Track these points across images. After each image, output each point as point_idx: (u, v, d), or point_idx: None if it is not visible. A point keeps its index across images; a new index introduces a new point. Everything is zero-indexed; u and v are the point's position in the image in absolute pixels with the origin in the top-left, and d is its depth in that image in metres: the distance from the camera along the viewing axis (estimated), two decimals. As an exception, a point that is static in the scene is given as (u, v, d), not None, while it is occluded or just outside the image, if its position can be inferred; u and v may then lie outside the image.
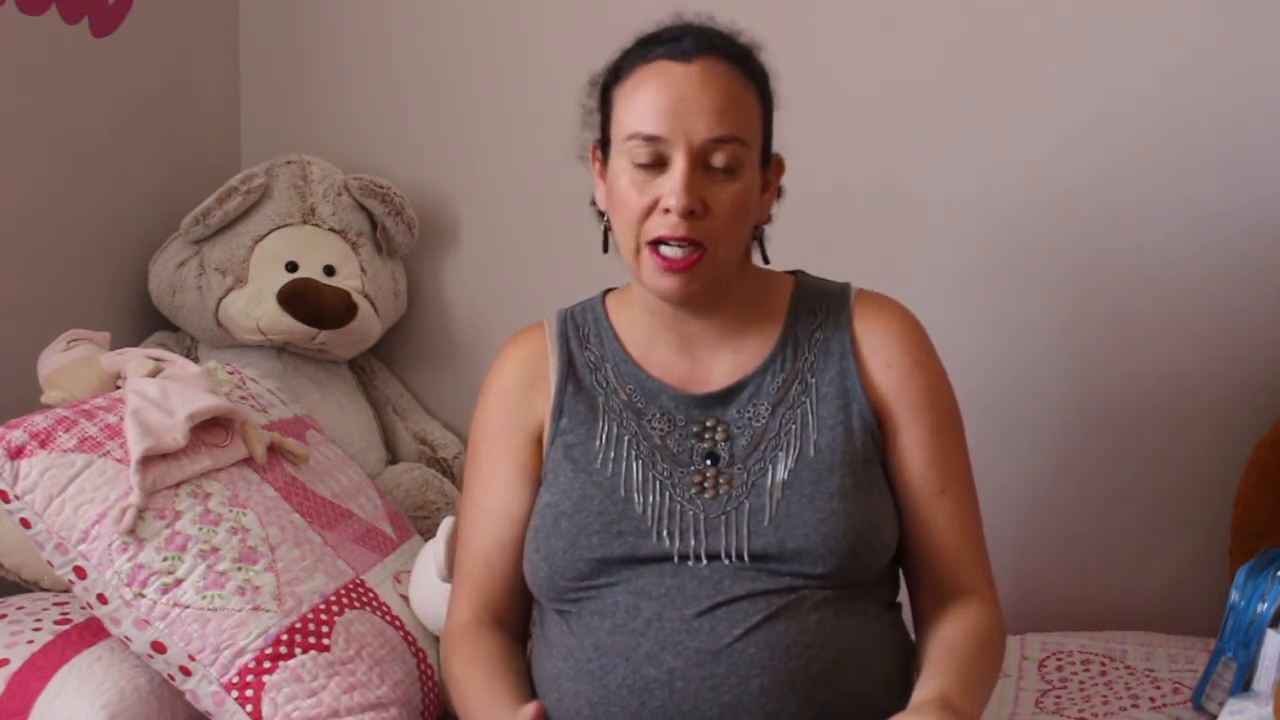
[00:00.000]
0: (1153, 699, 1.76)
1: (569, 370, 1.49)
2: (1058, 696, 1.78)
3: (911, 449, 1.45)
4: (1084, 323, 2.12)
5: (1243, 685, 1.60)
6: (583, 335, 1.52)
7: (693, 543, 1.38)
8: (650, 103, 1.37)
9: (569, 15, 2.30)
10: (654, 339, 1.48)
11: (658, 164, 1.36)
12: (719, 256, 1.39)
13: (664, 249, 1.37)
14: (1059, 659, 1.90)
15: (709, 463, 1.42)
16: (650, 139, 1.36)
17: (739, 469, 1.42)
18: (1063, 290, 2.12)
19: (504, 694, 1.40)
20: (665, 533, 1.38)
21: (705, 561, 1.37)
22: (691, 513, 1.39)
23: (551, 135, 2.28)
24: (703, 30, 1.42)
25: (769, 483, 1.40)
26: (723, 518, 1.39)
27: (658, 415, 1.45)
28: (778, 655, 1.33)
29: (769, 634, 1.33)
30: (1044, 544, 2.17)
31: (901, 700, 1.38)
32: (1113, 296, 2.10)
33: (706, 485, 1.41)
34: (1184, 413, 2.09)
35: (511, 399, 1.51)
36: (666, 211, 1.35)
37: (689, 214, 1.35)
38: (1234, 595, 1.64)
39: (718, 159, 1.36)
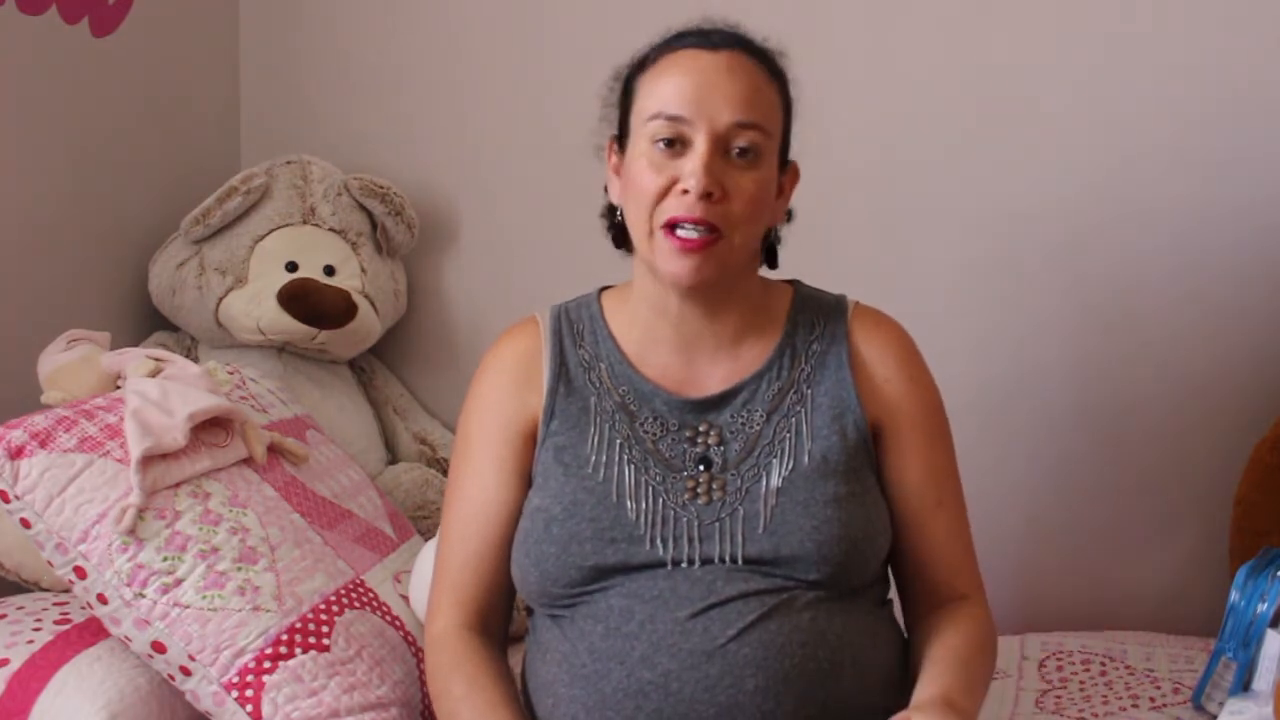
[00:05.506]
0: (1153, 699, 1.76)
1: (561, 370, 1.48)
2: (1058, 696, 1.78)
3: (910, 462, 1.46)
4: (1084, 324, 2.12)
5: (1243, 685, 1.60)
6: (577, 333, 1.50)
7: (686, 549, 1.37)
8: (676, 85, 1.38)
9: (569, 15, 2.30)
10: (653, 338, 1.47)
11: (678, 145, 1.37)
12: (734, 243, 1.39)
13: (679, 231, 1.37)
14: (1059, 659, 1.90)
15: (701, 468, 1.42)
16: (673, 119, 1.37)
17: (732, 475, 1.41)
18: (1063, 292, 2.12)
19: (500, 709, 1.39)
20: (659, 539, 1.38)
21: (699, 565, 1.37)
22: (685, 519, 1.39)
23: (551, 135, 2.30)
24: (729, 28, 1.43)
25: (763, 489, 1.40)
26: (716, 525, 1.38)
27: (650, 418, 1.45)
28: (772, 655, 1.33)
29: (762, 633, 1.33)
30: (1044, 544, 2.17)
31: (898, 696, 1.39)
32: (1113, 298, 2.10)
33: (700, 491, 1.40)
34: (1184, 413, 2.09)
35: (505, 393, 1.49)
36: (685, 193, 1.35)
37: (706, 196, 1.35)
38: (1234, 595, 1.64)
39: (739, 144, 1.37)
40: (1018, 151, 2.11)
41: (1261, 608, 1.60)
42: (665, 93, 1.38)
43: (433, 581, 1.51)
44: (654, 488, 1.40)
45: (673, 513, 1.39)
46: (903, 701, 1.36)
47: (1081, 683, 1.82)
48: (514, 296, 2.32)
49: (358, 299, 2.20)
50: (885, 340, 1.49)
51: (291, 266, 2.19)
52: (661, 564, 1.37)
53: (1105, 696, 1.78)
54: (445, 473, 2.31)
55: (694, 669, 1.32)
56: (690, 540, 1.38)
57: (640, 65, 1.44)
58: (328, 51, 2.43)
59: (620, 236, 1.49)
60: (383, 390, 2.37)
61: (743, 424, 1.44)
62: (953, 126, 2.13)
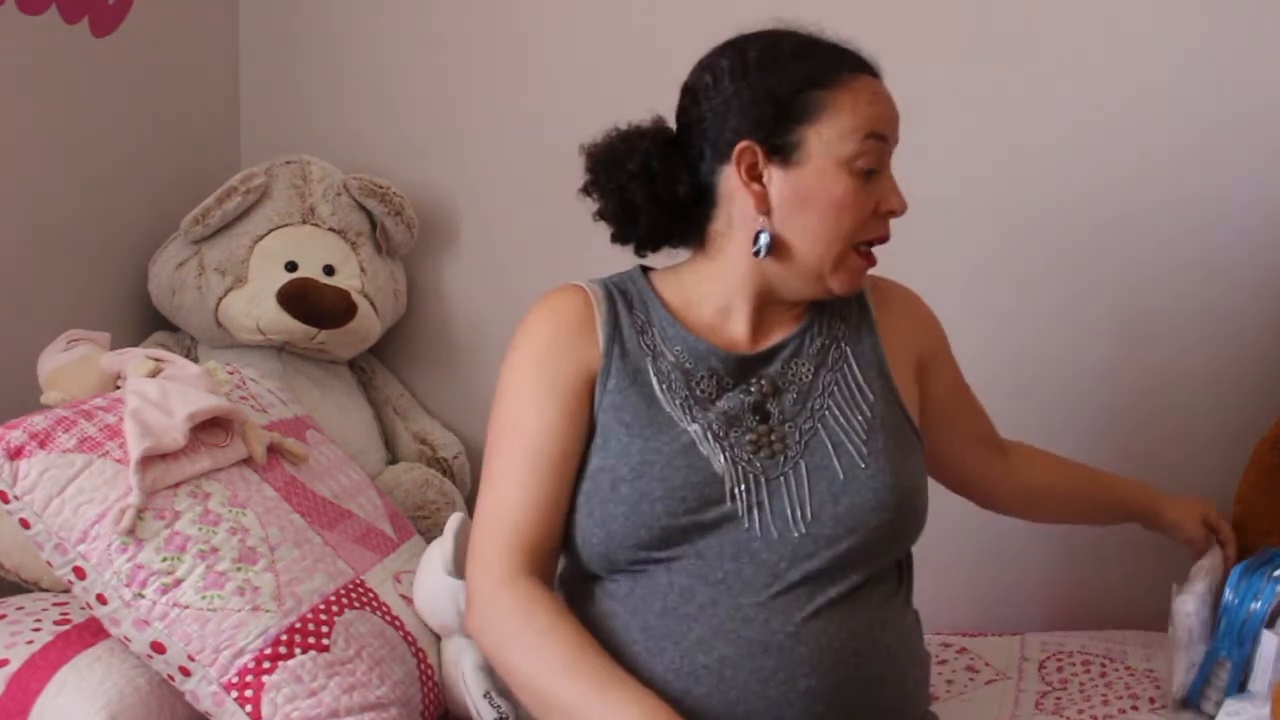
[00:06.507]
0: (1152, 699, 1.76)
1: (615, 333, 1.48)
2: (1058, 697, 1.78)
3: (942, 378, 1.62)
4: (1084, 323, 2.12)
5: (1238, 685, 1.60)
6: (627, 299, 1.51)
7: (755, 501, 1.38)
8: (880, 108, 1.44)
9: (568, 15, 2.30)
10: (730, 311, 1.49)
11: (879, 167, 1.44)
12: None
13: (866, 249, 1.46)
14: (1059, 659, 1.90)
15: (758, 419, 1.43)
16: (885, 141, 1.44)
17: (790, 427, 1.43)
18: (1063, 291, 2.12)
19: (586, 637, 1.36)
20: (729, 495, 1.38)
21: (769, 525, 1.37)
22: (751, 474, 1.40)
23: (551, 135, 2.30)
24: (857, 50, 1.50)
25: (821, 441, 1.43)
26: (781, 479, 1.40)
27: (706, 376, 1.46)
28: (827, 659, 1.34)
29: (821, 636, 1.34)
30: (1044, 544, 2.16)
31: (916, 706, 1.42)
32: (1113, 297, 2.10)
33: (761, 444, 1.42)
34: (1184, 413, 2.09)
35: (566, 339, 1.46)
36: (890, 214, 1.45)
37: None
38: (1228, 594, 1.63)
39: None
40: (1020, 153, 2.11)
41: (1255, 606, 1.60)
42: (877, 114, 1.43)
43: (479, 530, 1.45)
44: (719, 443, 1.41)
45: (740, 467, 1.40)
46: (921, 710, 1.40)
47: (1081, 683, 1.82)
48: (514, 296, 2.30)
49: (357, 299, 2.20)
50: (905, 307, 1.61)
51: (291, 266, 2.20)
52: (733, 517, 1.38)
53: (1105, 697, 1.77)
54: (445, 473, 2.32)
55: (750, 658, 1.33)
56: (759, 494, 1.39)
57: (814, 82, 1.43)
58: (328, 52, 2.43)
59: (686, 236, 1.51)
60: (382, 390, 2.38)
61: (793, 376, 1.47)
62: (958, 124, 2.13)
